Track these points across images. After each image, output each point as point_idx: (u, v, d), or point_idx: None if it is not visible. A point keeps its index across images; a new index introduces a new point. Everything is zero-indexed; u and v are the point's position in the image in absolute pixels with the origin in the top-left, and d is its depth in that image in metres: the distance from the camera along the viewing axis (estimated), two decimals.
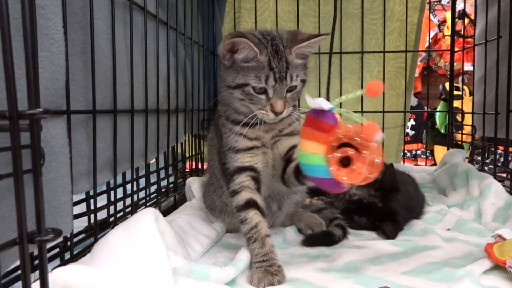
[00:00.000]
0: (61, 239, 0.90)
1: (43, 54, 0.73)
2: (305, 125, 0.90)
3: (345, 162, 0.84)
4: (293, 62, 1.03)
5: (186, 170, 1.90)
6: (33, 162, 0.50)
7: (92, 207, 1.01)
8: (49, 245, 0.90)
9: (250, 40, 0.99)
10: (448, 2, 3.94)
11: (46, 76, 0.74)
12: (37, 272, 0.53)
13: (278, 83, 1.01)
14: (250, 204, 1.08)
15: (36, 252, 0.74)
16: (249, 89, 1.02)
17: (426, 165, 2.46)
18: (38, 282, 0.52)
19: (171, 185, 1.58)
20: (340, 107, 0.88)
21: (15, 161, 0.48)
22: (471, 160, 2.01)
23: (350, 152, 0.83)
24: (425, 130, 4.20)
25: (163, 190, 1.51)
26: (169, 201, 1.58)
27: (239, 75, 1.02)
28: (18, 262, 0.54)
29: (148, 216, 0.84)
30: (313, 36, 1.06)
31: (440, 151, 3.82)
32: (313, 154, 0.87)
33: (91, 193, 1.00)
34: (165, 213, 1.38)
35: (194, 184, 1.54)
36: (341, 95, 2.18)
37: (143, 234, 0.80)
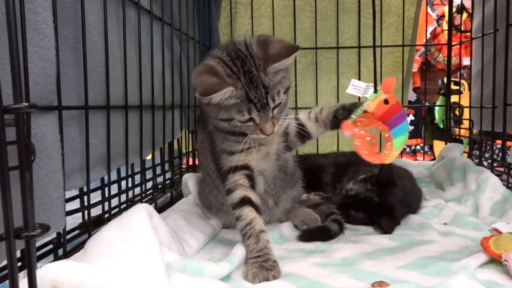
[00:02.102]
0: (54, 235, 0.90)
1: (33, 49, 0.72)
2: None
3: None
4: (271, 83, 0.97)
5: (183, 166, 1.89)
6: (19, 157, 0.50)
7: (85, 204, 1.00)
8: (42, 242, 0.89)
9: (222, 78, 0.95)
10: None
11: (36, 71, 0.73)
12: None
13: (262, 111, 0.98)
14: (245, 201, 1.08)
15: None
16: (235, 122, 1.00)
17: (424, 160, 2.45)
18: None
19: (167, 182, 1.57)
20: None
21: (1, 156, 0.47)
22: (469, 155, 2.01)
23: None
24: (424, 125, 4.19)
25: (159, 186, 1.51)
26: (166, 197, 1.58)
27: (221, 111, 0.99)
28: None
29: (141, 212, 0.83)
30: (285, 53, 0.97)
31: (439, 146, 3.81)
32: None
33: (85, 189, 1.00)
34: (162, 209, 1.38)
35: (190, 181, 1.53)
36: (338, 90, 2.18)
37: (136, 230, 0.79)
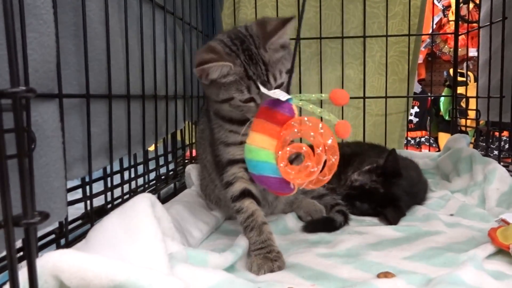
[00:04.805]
0: (56, 225, 0.89)
1: (32, 35, 0.71)
2: (257, 117, 0.84)
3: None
4: (271, 60, 0.95)
5: (186, 157, 1.88)
6: (17, 143, 0.48)
7: (88, 194, 0.99)
8: (44, 231, 0.89)
9: (220, 54, 0.93)
10: None
11: (36, 58, 0.72)
12: None
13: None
14: (245, 193, 1.06)
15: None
16: (235, 101, 0.96)
17: (429, 152, 2.43)
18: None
19: (170, 173, 1.56)
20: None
21: None
22: (475, 146, 1.99)
23: (304, 148, 0.77)
24: (429, 117, 4.16)
25: (162, 177, 1.50)
26: (169, 188, 1.57)
27: (221, 91, 0.96)
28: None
29: (143, 202, 0.82)
30: (281, 24, 0.96)
31: (444, 138, 3.78)
32: (262, 149, 0.80)
33: (87, 179, 0.99)
34: (165, 200, 1.37)
35: (193, 172, 1.52)
36: (342, 81, 2.15)
37: (138, 219, 0.78)
